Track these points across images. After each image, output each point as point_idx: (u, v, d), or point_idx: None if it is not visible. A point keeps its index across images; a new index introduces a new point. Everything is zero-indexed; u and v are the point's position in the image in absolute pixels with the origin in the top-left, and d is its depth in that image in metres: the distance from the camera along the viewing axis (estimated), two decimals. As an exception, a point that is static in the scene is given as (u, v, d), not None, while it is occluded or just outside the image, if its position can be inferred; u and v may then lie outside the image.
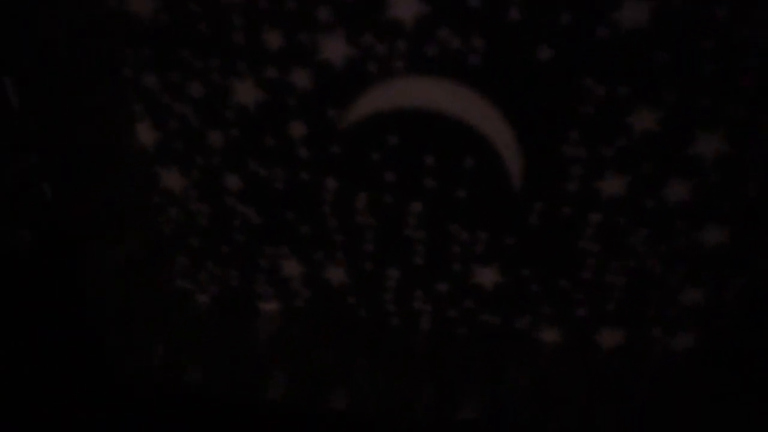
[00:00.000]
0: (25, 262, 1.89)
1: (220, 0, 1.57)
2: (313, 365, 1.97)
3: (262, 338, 2.01)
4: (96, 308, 1.94)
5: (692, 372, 1.74)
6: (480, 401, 1.85)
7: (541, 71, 1.46)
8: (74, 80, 1.78)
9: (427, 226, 1.78)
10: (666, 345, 1.74)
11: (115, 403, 1.96)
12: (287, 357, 1.99)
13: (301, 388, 1.96)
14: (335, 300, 1.95)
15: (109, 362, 1.96)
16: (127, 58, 1.72)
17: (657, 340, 1.74)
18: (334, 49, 1.56)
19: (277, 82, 1.65)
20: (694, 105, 1.45)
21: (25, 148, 1.84)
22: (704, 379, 1.73)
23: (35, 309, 1.94)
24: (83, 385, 1.97)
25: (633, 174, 1.57)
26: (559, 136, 1.54)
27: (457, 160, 1.64)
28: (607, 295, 1.73)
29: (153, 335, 2.00)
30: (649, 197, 1.60)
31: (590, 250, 1.71)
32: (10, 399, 1.95)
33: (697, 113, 1.45)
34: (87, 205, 1.89)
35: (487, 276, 1.82)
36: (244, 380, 1.99)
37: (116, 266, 1.93)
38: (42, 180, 1.86)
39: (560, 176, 1.59)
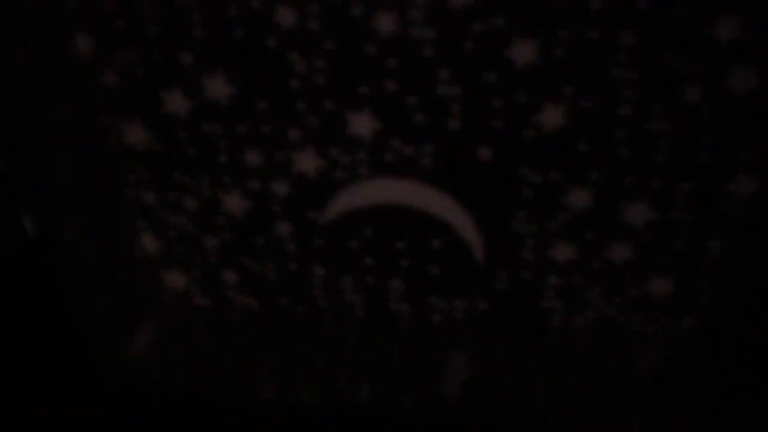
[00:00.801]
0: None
1: (203, 128, 1.81)
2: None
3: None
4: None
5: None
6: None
7: (485, 166, 1.70)
8: (82, 202, 2.00)
9: (413, 303, 1.99)
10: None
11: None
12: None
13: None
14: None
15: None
16: (128, 181, 1.95)
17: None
18: (306, 162, 1.79)
19: (261, 192, 1.87)
20: (618, 181, 1.68)
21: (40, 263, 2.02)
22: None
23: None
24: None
25: (578, 242, 1.79)
26: (509, 216, 1.77)
27: (425, 244, 1.87)
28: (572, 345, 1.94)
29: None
30: (595, 259, 1.82)
31: (554, 307, 1.92)
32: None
33: (622, 187, 1.69)
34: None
35: (458, 358, 2.01)
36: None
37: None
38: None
39: (516, 247, 1.81)
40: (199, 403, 2.06)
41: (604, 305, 1.89)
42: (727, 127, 1.61)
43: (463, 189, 1.75)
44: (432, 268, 1.92)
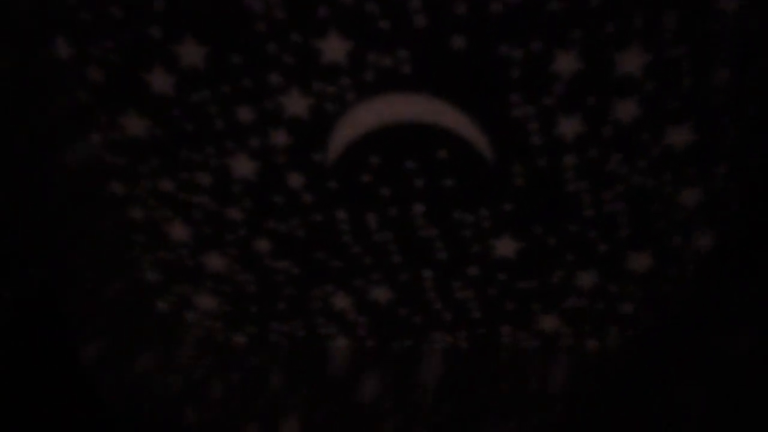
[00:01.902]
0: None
1: (192, 98, 1.85)
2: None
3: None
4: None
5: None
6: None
7: (462, 55, 1.68)
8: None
9: (440, 224, 1.97)
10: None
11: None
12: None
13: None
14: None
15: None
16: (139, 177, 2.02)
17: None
18: (296, 104, 1.81)
19: (263, 148, 1.90)
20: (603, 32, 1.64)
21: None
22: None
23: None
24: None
25: (581, 110, 1.73)
26: (504, 103, 1.74)
27: (432, 157, 1.84)
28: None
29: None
30: (604, 124, 1.76)
31: (578, 189, 1.86)
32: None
33: (608, 38, 1.64)
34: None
35: (506, 245, 1.98)
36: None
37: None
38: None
39: (522, 134, 1.77)
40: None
41: (629, 172, 1.82)
42: None
43: (450, 86, 1.72)
44: (447, 181, 1.89)
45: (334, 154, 1.89)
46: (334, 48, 1.71)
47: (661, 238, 1.94)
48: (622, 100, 1.70)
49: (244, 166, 1.97)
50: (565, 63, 1.66)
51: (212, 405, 2.20)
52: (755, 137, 1.78)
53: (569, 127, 1.75)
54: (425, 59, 1.68)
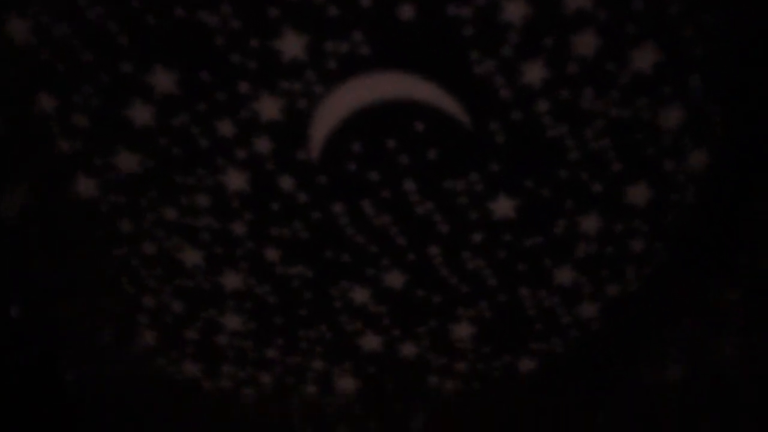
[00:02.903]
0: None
1: (173, 123, 1.92)
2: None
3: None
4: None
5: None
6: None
7: (413, 24, 1.71)
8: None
9: (433, 197, 1.99)
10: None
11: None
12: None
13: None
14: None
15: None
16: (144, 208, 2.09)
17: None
18: (268, 107, 1.87)
19: (250, 157, 1.96)
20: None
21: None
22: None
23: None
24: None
25: (540, 54, 1.75)
26: (466, 62, 1.76)
27: (410, 132, 1.88)
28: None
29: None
30: (568, 60, 1.76)
31: (561, 134, 1.87)
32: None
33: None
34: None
35: (503, 205, 2.00)
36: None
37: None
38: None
39: (489, 90, 1.80)
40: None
41: (605, 106, 1.82)
42: None
43: (410, 58, 1.76)
44: (430, 153, 1.92)
45: (317, 150, 1.93)
46: (292, 45, 1.76)
47: (653, 166, 1.93)
48: (579, 34, 1.71)
49: (236, 180, 2.03)
50: (514, 10, 1.68)
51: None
52: (722, 43, 1.77)
53: (534, 72, 1.77)
54: (380, 36, 1.73)
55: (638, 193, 1.97)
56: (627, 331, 2.18)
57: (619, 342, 2.19)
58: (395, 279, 2.13)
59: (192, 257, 2.16)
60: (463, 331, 2.18)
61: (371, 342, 2.23)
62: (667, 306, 2.14)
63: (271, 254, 2.15)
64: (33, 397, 2.15)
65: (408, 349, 2.21)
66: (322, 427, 2.26)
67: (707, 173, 1.91)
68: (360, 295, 2.16)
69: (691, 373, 2.18)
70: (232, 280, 2.19)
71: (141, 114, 1.89)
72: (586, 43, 1.74)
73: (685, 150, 1.89)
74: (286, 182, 2.00)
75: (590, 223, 2.02)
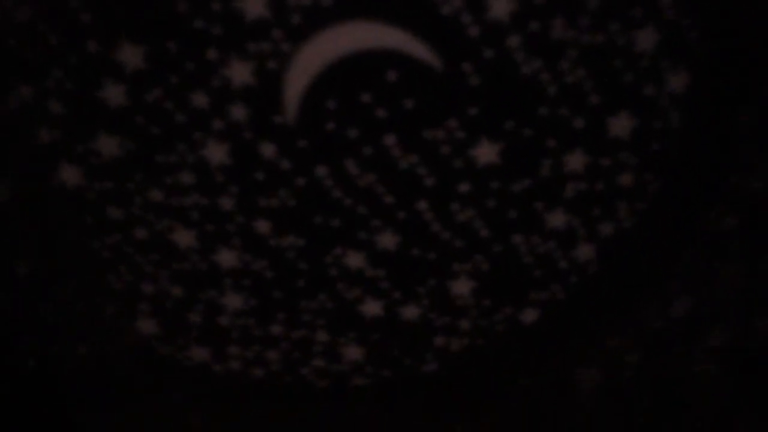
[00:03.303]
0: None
1: (147, 99, 1.92)
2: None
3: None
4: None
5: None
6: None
7: None
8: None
9: (416, 149, 1.98)
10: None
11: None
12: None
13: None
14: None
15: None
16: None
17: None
18: (240, 71, 1.86)
19: (228, 127, 1.95)
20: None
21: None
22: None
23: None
24: None
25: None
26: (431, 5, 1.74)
27: (382, 81, 1.86)
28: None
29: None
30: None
31: (538, 71, 1.85)
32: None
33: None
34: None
35: (486, 151, 1.98)
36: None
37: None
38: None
39: (457, 32, 1.77)
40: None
41: (576, 34, 1.79)
42: None
43: (373, 5, 1.74)
44: (406, 102, 1.90)
45: (293, 111, 1.93)
46: (254, 3, 1.75)
47: (633, 93, 1.90)
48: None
49: (217, 153, 2.02)
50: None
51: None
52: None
53: (501, 6, 1.74)
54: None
55: (621, 124, 1.94)
56: (627, 270, 2.15)
57: (620, 283, 2.16)
58: (388, 240, 2.12)
59: (185, 238, 2.16)
60: (462, 287, 2.16)
61: (372, 308, 2.21)
62: (665, 240, 2.11)
63: (262, 227, 2.15)
64: (32, 393, 2.16)
65: (410, 312, 2.20)
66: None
67: (689, 94, 1.87)
68: (355, 260, 2.15)
69: (696, 307, 2.15)
70: (227, 258, 2.18)
71: (114, 94, 1.89)
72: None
73: (664, 72, 1.86)
74: (267, 149, 1.99)
75: (576, 161, 2.00)
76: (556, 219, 2.07)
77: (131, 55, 1.84)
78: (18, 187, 2.06)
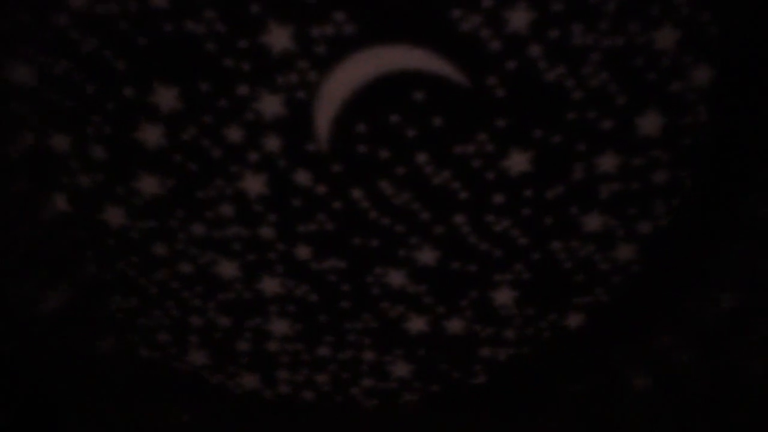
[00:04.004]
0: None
1: (183, 137, 1.98)
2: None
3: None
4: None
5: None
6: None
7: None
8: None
9: (448, 164, 2.00)
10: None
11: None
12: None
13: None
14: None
15: None
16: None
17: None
18: (270, 104, 1.91)
19: (263, 159, 2.00)
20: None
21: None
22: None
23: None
24: None
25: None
26: (450, 22, 1.78)
27: (410, 101, 1.90)
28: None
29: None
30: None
31: (561, 79, 1.87)
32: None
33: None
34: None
35: (517, 161, 1.99)
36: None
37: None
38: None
39: (478, 47, 1.80)
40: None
41: (597, 38, 1.80)
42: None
43: (395, 28, 1.78)
44: (436, 120, 1.93)
45: (324, 137, 1.97)
46: (279, 37, 1.81)
47: (658, 91, 1.90)
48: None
49: (254, 184, 2.07)
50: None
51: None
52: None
53: (519, 18, 1.77)
54: (361, 12, 1.76)
55: (650, 122, 1.95)
56: (669, 267, 2.14)
57: (663, 280, 2.15)
58: (428, 255, 2.14)
59: (228, 269, 2.21)
60: (504, 297, 2.17)
61: (417, 324, 2.23)
62: (704, 233, 2.09)
63: (303, 252, 2.19)
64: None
65: (455, 325, 2.21)
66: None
67: (714, 88, 1.87)
68: (396, 278, 2.18)
69: (743, 299, 2.12)
70: (270, 285, 2.23)
71: (151, 135, 1.96)
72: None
73: (687, 68, 1.86)
74: (303, 176, 2.03)
75: (608, 162, 2.00)
76: (593, 222, 2.07)
77: (166, 97, 1.90)
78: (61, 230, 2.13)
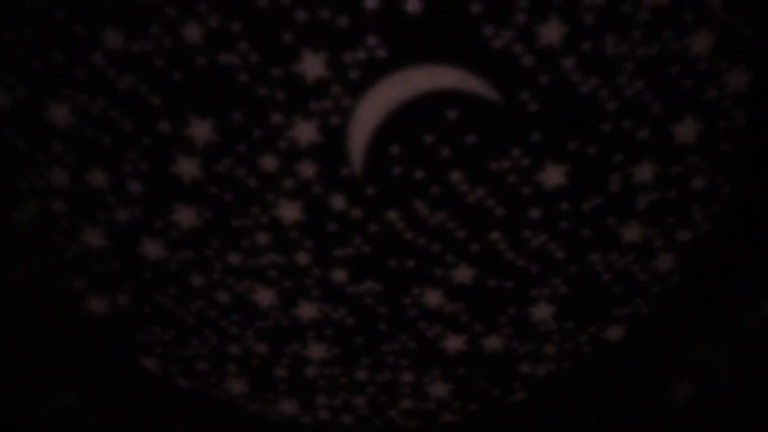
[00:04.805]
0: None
1: (217, 169, 2.00)
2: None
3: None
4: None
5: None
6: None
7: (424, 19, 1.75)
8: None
9: (483, 182, 2.00)
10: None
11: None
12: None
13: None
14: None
15: None
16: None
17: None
18: (304, 131, 1.92)
19: (299, 186, 2.01)
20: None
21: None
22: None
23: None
24: None
25: (564, 19, 1.75)
26: (480, 38, 1.80)
27: (443, 120, 1.90)
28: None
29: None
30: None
31: (593, 90, 1.87)
32: None
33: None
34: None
35: (553, 174, 1.98)
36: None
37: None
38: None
39: (508, 61, 1.81)
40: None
41: (630, 48, 1.80)
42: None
43: (427, 49, 1.79)
44: (469, 138, 1.93)
45: (359, 161, 1.97)
46: (312, 65, 1.82)
47: (694, 97, 1.89)
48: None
49: (290, 211, 2.08)
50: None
51: None
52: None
53: (552, 32, 1.77)
54: (392, 35, 1.77)
55: (687, 129, 1.94)
56: (710, 275, 2.12)
57: (703, 289, 2.12)
58: (464, 274, 2.13)
59: (265, 297, 2.21)
60: (542, 312, 2.16)
61: (455, 343, 2.22)
62: (744, 240, 2.07)
63: (339, 276, 2.18)
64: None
65: (493, 343, 2.20)
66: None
67: (751, 92, 1.86)
68: (433, 297, 2.17)
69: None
70: (307, 310, 2.22)
71: (187, 168, 1.97)
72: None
73: (723, 73, 1.85)
74: (338, 201, 2.04)
75: (645, 172, 1.99)
76: (631, 232, 2.06)
77: (201, 130, 1.92)
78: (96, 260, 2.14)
